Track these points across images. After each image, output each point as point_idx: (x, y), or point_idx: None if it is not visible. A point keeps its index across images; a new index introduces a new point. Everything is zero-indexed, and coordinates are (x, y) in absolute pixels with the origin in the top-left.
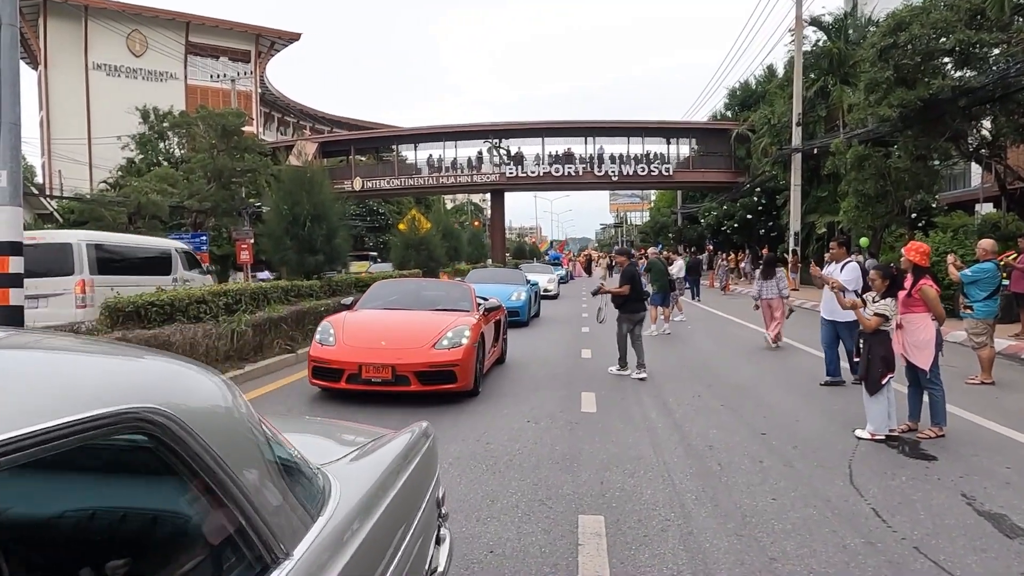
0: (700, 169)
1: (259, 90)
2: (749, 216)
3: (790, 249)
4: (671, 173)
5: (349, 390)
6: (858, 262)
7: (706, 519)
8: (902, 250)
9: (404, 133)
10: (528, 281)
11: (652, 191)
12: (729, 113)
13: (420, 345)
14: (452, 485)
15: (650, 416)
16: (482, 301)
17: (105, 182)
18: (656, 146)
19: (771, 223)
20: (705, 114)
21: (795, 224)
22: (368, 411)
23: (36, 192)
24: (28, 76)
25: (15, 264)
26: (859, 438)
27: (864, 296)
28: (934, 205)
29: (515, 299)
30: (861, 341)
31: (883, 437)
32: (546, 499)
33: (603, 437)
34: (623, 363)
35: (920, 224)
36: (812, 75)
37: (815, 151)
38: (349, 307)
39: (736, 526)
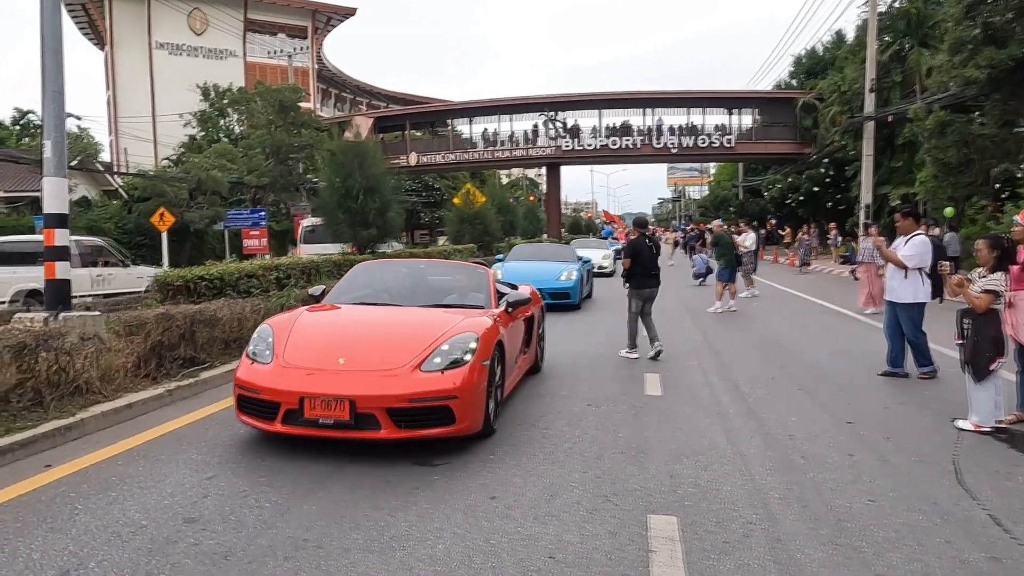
0: (763, 140)
1: (316, 66)
2: (816, 189)
3: (861, 222)
4: (733, 145)
5: (289, 435)
6: (931, 236)
7: (795, 523)
8: (1015, 217)
9: (459, 107)
10: (579, 258)
11: (712, 164)
12: (794, 82)
13: (398, 364)
14: (507, 474)
15: (721, 400)
16: (507, 290)
17: (167, 159)
18: (717, 117)
19: (839, 196)
20: (768, 83)
21: (866, 196)
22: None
23: (102, 169)
24: (96, 56)
25: (61, 236)
26: (961, 429)
27: (971, 273)
28: (1019, 175)
29: (564, 279)
30: (965, 322)
31: (989, 429)
32: (611, 495)
33: (671, 423)
34: (632, 344)
35: (1004, 195)
36: (887, 38)
37: (890, 119)
38: (317, 299)
39: (831, 532)
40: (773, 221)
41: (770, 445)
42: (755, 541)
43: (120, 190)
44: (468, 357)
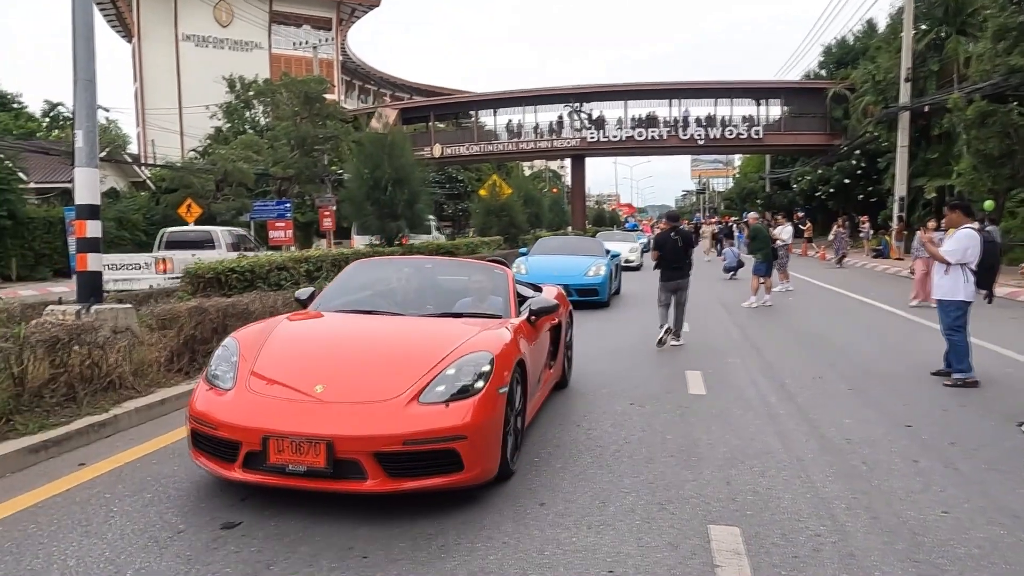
0: (792, 131)
1: (340, 58)
2: (847, 181)
3: (894, 216)
4: (761, 136)
5: (253, 484)
6: (976, 229)
7: (866, 536)
8: None
9: (483, 98)
10: (607, 251)
11: (736, 156)
12: (824, 72)
13: (391, 394)
14: (555, 479)
15: (769, 400)
16: (530, 293)
17: (194, 150)
18: (745, 108)
19: (871, 188)
20: (797, 74)
21: (900, 189)
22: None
23: (130, 160)
24: (123, 49)
25: (93, 228)
26: None
27: None
28: None
29: (592, 275)
30: None
31: None
32: (666, 502)
33: (719, 425)
34: (662, 329)
35: None
36: (924, 26)
37: (925, 109)
38: (304, 304)
39: (907, 548)
40: (801, 214)
41: (827, 449)
42: (826, 556)
43: (148, 181)
44: (480, 384)
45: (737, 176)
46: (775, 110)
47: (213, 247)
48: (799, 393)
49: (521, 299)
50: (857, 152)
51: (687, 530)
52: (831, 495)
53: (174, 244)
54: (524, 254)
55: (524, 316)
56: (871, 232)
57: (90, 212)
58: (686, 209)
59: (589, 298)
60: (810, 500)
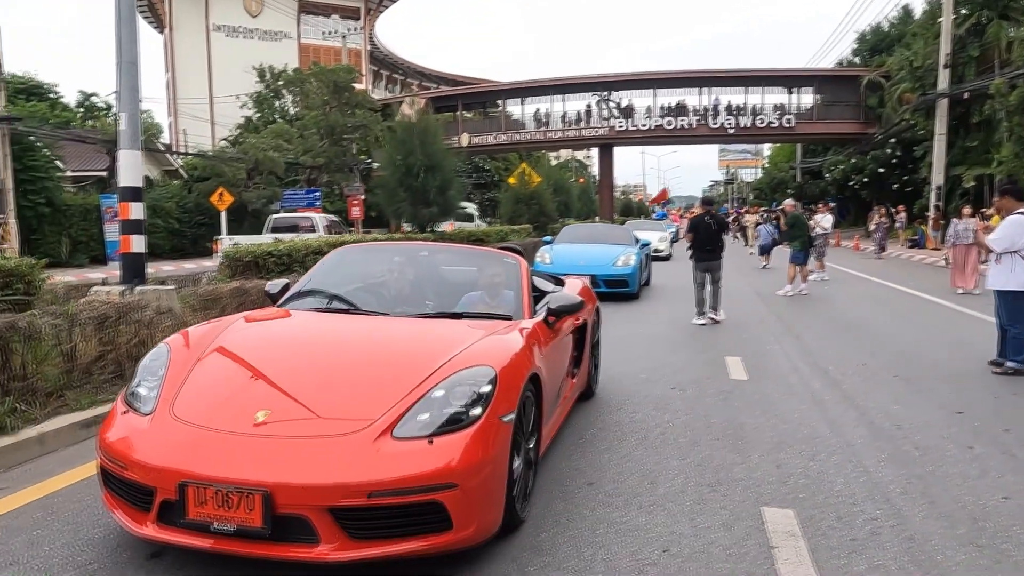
0: (825, 120)
1: (368, 47)
2: (881, 170)
3: (931, 205)
4: (792, 125)
5: (170, 544)
6: None
7: (925, 520)
8: None
9: (511, 87)
10: (637, 240)
11: (765, 146)
12: (858, 60)
13: (355, 426)
14: (600, 459)
15: (812, 386)
16: (550, 288)
17: (225, 139)
18: (776, 96)
19: (906, 177)
20: (830, 62)
21: (938, 178)
22: None
23: (163, 149)
24: (155, 39)
25: (136, 210)
26: None
27: None
28: None
29: (622, 265)
30: None
31: None
32: (716, 484)
33: (764, 410)
34: (699, 311)
35: None
36: (964, 10)
37: (965, 96)
38: (274, 299)
39: (969, 532)
40: (832, 204)
41: (877, 435)
42: (885, 539)
43: (180, 170)
44: (478, 411)
45: (766, 166)
46: (807, 98)
47: (314, 231)
48: (844, 380)
49: (539, 295)
50: (892, 140)
51: (740, 512)
52: (885, 479)
53: (279, 228)
54: (548, 242)
55: (541, 316)
56: (906, 222)
57: (133, 194)
58: (715, 200)
59: (618, 289)
60: (864, 484)
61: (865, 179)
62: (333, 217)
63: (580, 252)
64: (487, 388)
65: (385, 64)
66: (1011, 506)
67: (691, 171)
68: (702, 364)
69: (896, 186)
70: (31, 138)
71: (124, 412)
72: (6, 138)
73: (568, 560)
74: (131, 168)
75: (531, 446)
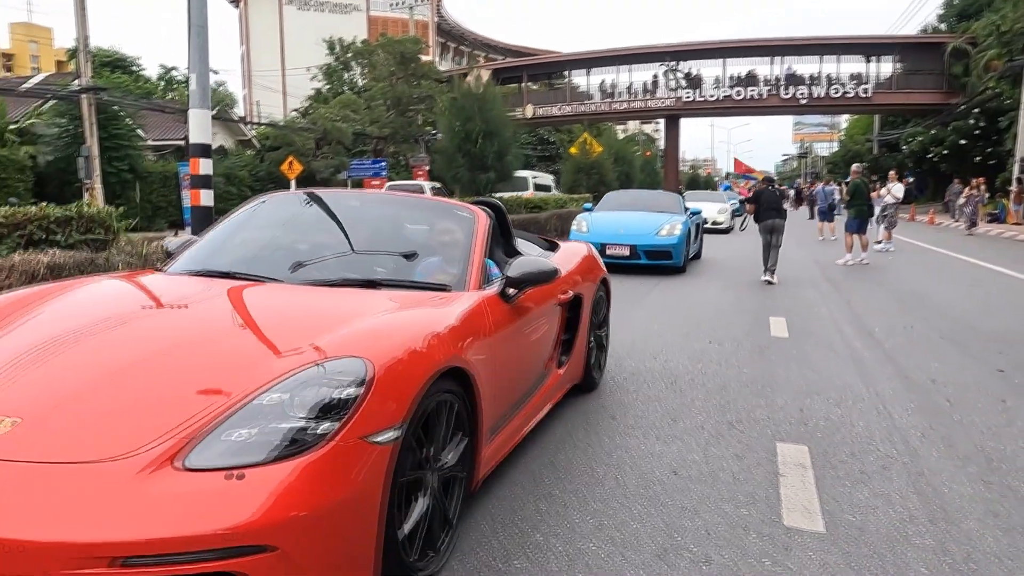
0: (905, 90)
1: (435, 19)
2: (963, 142)
3: (1014, 177)
4: (870, 95)
5: None
6: None
7: (939, 459)
8: None
9: (576, 58)
10: (687, 209)
11: (843, 118)
12: (943, 26)
13: (122, 449)
14: (626, 399)
15: (854, 345)
16: (528, 250)
17: (296, 110)
18: (852, 65)
19: (989, 149)
20: (912, 29)
21: (1022, 149)
22: None
23: (237, 119)
24: (230, 14)
25: (205, 166)
26: None
27: None
28: None
29: (666, 234)
30: None
31: None
32: (735, 422)
33: (799, 363)
34: (765, 267)
35: None
36: None
37: None
38: (172, 256)
39: (980, 471)
40: (910, 179)
41: (910, 388)
42: (895, 473)
43: (253, 140)
44: (326, 426)
45: (843, 139)
46: (886, 67)
47: None
48: (887, 340)
49: (509, 256)
50: (976, 111)
51: (755, 445)
52: (907, 425)
53: None
54: (588, 209)
55: (495, 288)
56: (986, 196)
57: (202, 151)
58: (787, 174)
59: (661, 262)
60: (884, 428)
61: (945, 151)
62: (438, 185)
63: (620, 220)
64: (350, 391)
65: (452, 36)
66: None
67: (763, 145)
68: (745, 323)
69: (979, 158)
70: (115, 108)
71: None
72: (92, 107)
73: (581, 476)
74: (200, 126)
75: (449, 479)
